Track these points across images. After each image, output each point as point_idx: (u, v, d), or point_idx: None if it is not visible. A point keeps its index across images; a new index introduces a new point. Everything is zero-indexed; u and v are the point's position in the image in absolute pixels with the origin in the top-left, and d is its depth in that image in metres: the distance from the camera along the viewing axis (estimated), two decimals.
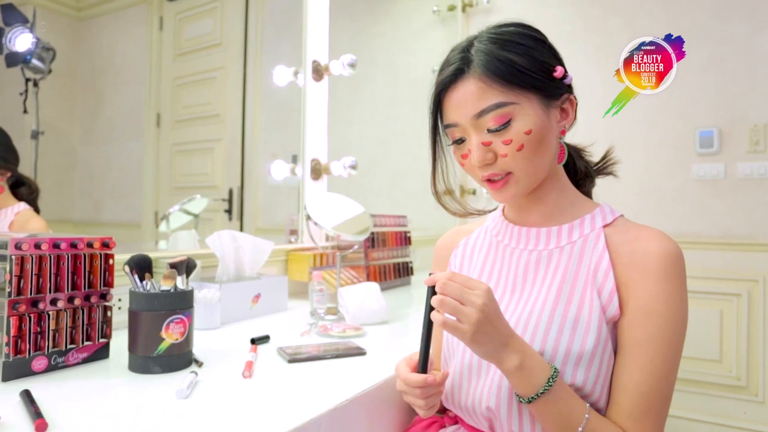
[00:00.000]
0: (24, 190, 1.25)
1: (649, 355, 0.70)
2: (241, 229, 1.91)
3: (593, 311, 0.72)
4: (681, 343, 0.72)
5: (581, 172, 0.87)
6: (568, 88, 0.78)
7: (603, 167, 0.89)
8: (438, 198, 0.87)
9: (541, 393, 0.66)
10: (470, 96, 0.73)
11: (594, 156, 0.90)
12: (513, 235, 0.84)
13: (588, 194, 0.89)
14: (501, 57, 0.73)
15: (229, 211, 1.94)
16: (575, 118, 0.80)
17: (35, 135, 1.35)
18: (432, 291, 0.68)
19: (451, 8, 2.93)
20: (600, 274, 0.74)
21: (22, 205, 1.23)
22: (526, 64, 0.73)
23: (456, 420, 0.84)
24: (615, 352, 0.74)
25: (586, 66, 2.46)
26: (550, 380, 0.67)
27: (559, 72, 0.76)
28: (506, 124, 0.72)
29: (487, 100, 0.72)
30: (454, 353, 0.82)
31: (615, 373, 0.73)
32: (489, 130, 0.73)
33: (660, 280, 0.71)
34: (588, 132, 2.81)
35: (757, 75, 2.20)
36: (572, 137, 0.84)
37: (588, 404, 0.70)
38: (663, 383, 0.70)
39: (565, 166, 0.83)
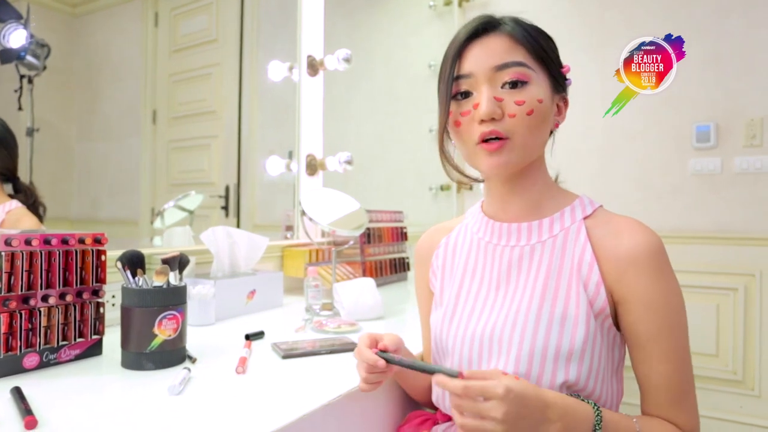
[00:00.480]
0: (20, 197, 1.24)
1: (668, 346, 0.72)
2: (238, 226, 1.91)
3: (580, 305, 0.72)
4: (686, 325, 0.74)
5: None
6: (565, 89, 0.81)
7: None
8: (443, 157, 0.84)
9: None
10: (498, 47, 0.75)
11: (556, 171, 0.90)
12: (494, 231, 0.82)
13: None
14: (528, 30, 0.76)
15: (225, 208, 1.94)
16: (564, 119, 0.82)
17: (30, 132, 1.34)
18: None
19: (447, 3, 2.91)
20: (585, 267, 0.74)
21: (14, 203, 1.22)
22: (546, 46, 0.77)
23: (449, 417, 0.84)
24: (613, 350, 0.75)
25: (583, 61, 2.46)
26: (597, 427, 0.66)
27: (566, 69, 0.79)
28: (524, 84, 0.73)
29: (513, 56, 0.74)
30: (445, 356, 0.81)
31: (639, 370, 0.74)
32: (504, 86, 0.74)
33: (655, 273, 0.71)
34: (586, 126, 2.80)
35: (754, 70, 2.19)
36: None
37: (632, 416, 0.71)
38: (685, 365, 0.73)
39: None
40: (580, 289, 0.73)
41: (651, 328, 0.72)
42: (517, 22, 0.77)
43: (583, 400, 0.69)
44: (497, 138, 0.73)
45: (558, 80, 0.78)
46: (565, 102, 0.81)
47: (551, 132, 0.81)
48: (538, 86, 0.74)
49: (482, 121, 0.73)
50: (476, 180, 0.89)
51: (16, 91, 1.32)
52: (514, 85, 0.73)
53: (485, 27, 0.76)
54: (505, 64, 0.73)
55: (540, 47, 0.76)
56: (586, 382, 0.71)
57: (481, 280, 0.81)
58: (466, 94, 0.76)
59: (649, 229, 0.75)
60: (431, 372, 0.65)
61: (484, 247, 0.83)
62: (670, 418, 0.73)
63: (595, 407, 0.68)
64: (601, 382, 0.73)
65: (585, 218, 0.78)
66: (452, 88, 0.77)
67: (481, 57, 0.75)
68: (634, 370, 0.76)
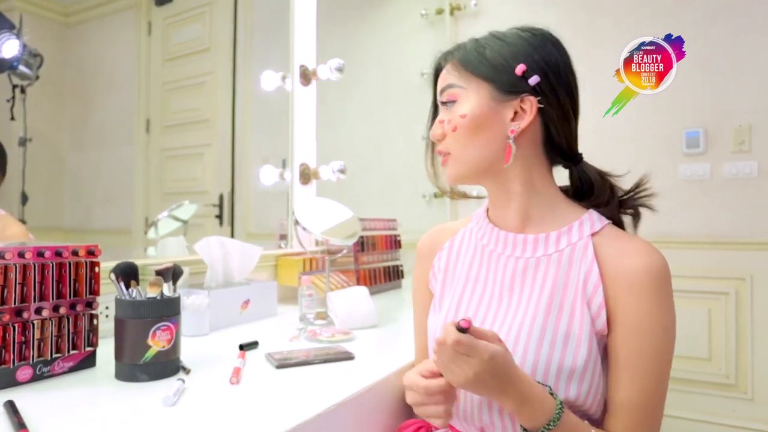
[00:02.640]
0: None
1: (643, 370, 0.71)
2: (232, 235, 1.91)
3: (584, 324, 0.72)
4: (671, 354, 0.73)
5: (587, 186, 0.84)
6: (533, 91, 0.76)
7: (632, 197, 0.84)
8: (433, 175, 0.93)
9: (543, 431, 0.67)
10: (442, 77, 0.83)
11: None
12: (499, 240, 0.83)
13: (618, 223, 0.83)
14: (476, 47, 0.80)
15: (219, 217, 1.94)
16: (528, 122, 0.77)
17: (23, 142, 1.34)
18: None
19: (439, 12, 2.94)
20: (590, 286, 0.74)
21: (0, 211, 1.22)
22: (488, 55, 0.78)
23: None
24: (606, 368, 0.76)
25: (575, 67, 2.48)
26: (552, 423, 0.67)
27: (519, 69, 0.75)
28: (452, 104, 0.80)
29: (445, 80, 0.81)
30: None
31: (610, 387, 0.74)
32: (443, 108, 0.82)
33: (649, 295, 0.71)
34: (578, 132, 2.79)
35: (742, 75, 2.22)
36: None
37: (591, 427, 0.71)
38: (655, 396, 0.72)
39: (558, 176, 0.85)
40: (584, 307, 0.73)
41: (632, 349, 0.71)
42: (471, 42, 0.82)
43: (555, 398, 0.69)
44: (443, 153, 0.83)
45: (504, 84, 0.76)
46: (531, 104, 0.76)
47: (509, 139, 0.77)
48: (466, 101, 0.78)
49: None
50: (466, 195, 0.96)
51: (8, 101, 1.32)
52: (449, 106, 0.81)
53: (443, 59, 0.85)
54: (441, 90, 0.82)
55: (474, 60, 0.78)
56: (585, 399, 0.72)
57: (484, 289, 0.82)
58: None
59: (656, 252, 0.74)
60: None
61: (488, 255, 0.84)
62: None
63: (559, 406, 0.68)
64: (598, 400, 0.74)
65: (593, 234, 0.77)
66: (433, 114, 0.88)
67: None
68: (607, 384, 0.75)
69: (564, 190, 0.85)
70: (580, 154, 0.83)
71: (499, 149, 0.78)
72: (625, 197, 0.84)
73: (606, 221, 0.79)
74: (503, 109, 0.76)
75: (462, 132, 0.78)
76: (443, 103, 0.82)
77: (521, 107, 0.77)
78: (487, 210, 0.89)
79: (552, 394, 0.70)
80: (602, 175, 0.84)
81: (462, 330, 0.64)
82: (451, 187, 0.92)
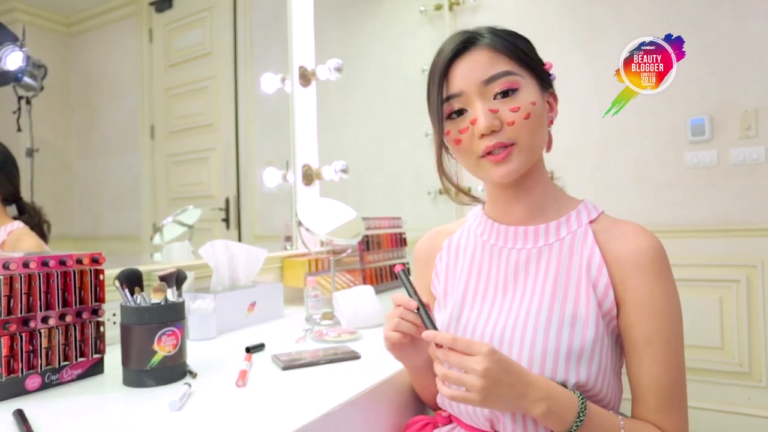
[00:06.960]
0: (25, 218, 1.25)
1: (662, 349, 0.73)
2: (239, 238, 1.92)
3: (590, 306, 0.74)
4: (682, 330, 0.76)
5: None
6: (552, 85, 0.83)
7: None
8: (443, 178, 0.85)
9: (575, 429, 0.67)
10: (480, 63, 0.76)
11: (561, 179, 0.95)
12: (500, 234, 0.84)
13: None
14: (507, 38, 0.78)
15: (226, 220, 1.95)
16: (557, 114, 0.84)
17: (30, 153, 1.35)
18: (405, 274, 0.75)
19: (438, 7, 2.93)
20: (594, 269, 0.75)
21: (16, 224, 1.23)
22: (526, 49, 0.79)
23: (450, 419, 0.85)
24: (615, 349, 0.77)
25: (575, 57, 2.46)
26: (581, 414, 0.67)
27: (548, 65, 0.82)
28: (515, 91, 0.75)
29: (497, 67, 0.76)
30: None
31: (632, 372, 0.76)
32: (496, 97, 0.75)
33: (656, 276, 0.74)
34: (581, 123, 2.80)
35: (746, 60, 2.19)
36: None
37: (620, 416, 0.72)
38: (678, 371, 0.74)
39: None
40: (589, 290, 0.75)
41: (649, 331, 0.73)
42: (494, 33, 0.79)
43: (572, 391, 0.70)
44: (502, 147, 0.75)
45: (543, 78, 0.80)
46: (554, 97, 0.83)
47: (548, 129, 0.83)
48: (529, 90, 0.76)
49: (483, 135, 0.75)
50: (477, 199, 0.92)
51: (14, 112, 1.33)
52: (506, 94, 0.75)
53: (465, 44, 0.78)
54: (492, 76, 0.75)
55: (521, 51, 0.78)
56: (594, 382, 0.73)
57: (487, 282, 0.83)
58: (460, 112, 0.78)
59: (652, 234, 0.77)
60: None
61: (489, 249, 0.84)
62: (657, 423, 0.73)
63: (581, 397, 0.69)
64: (608, 383, 0.75)
65: (590, 222, 0.80)
66: (444, 109, 0.78)
67: (468, 74, 0.76)
68: (627, 371, 0.77)
69: None
70: None
71: (546, 141, 0.82)
72: None
73: (600, 210, 0.82)
74: (544, 101, 0.80)
75: (533, 120, 0.75)
76: (502, 93, 0.75)
77: (549, 101, 0.82)
78: (484, 207, 0.89)
79: (564, 386, 0.70)
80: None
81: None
82: (462, 194, 0.88)
